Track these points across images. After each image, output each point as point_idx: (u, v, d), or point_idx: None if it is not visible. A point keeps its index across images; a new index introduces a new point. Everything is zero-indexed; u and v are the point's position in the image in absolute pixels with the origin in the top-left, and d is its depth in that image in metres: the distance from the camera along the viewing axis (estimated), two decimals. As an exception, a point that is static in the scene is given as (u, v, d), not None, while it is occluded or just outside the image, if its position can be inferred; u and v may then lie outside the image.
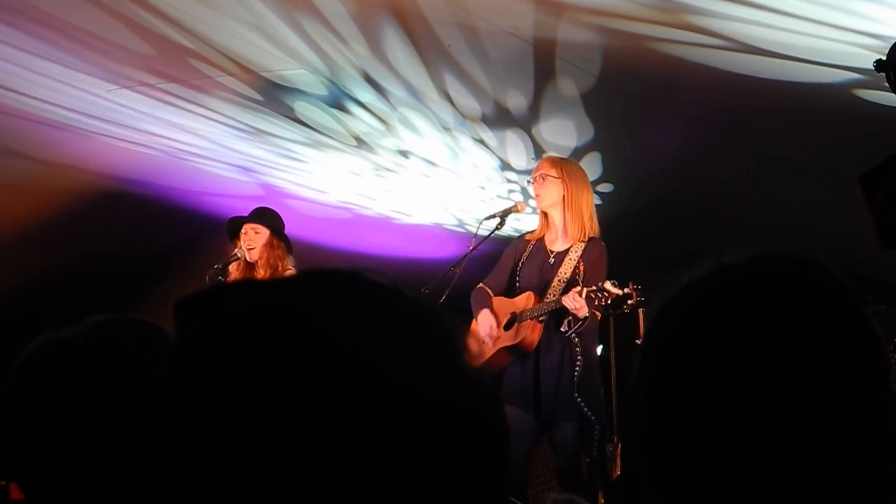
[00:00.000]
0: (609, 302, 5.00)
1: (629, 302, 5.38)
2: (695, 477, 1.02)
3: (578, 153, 6.65)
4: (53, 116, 6.21)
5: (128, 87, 5.87)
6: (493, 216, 5.60)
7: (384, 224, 8.17)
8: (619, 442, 6.51)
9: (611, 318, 6.48)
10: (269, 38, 5.36)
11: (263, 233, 5.69)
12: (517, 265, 5.43)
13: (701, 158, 6.59)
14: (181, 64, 5.60)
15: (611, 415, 6.60)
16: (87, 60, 5.55)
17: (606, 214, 7.54)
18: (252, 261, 5.66)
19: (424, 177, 7.25)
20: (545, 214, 5.39)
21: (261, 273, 5.59)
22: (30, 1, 4.94)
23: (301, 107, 6.20)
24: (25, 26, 5.17)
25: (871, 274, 6.98)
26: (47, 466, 1.41)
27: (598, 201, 7.31)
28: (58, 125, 6.32)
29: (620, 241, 7.04)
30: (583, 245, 5.26)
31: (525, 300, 5.30)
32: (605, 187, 7.22)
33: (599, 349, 8.30)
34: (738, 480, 1.00)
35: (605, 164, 6.87)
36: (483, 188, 7.43)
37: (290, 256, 5.74)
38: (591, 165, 6.81)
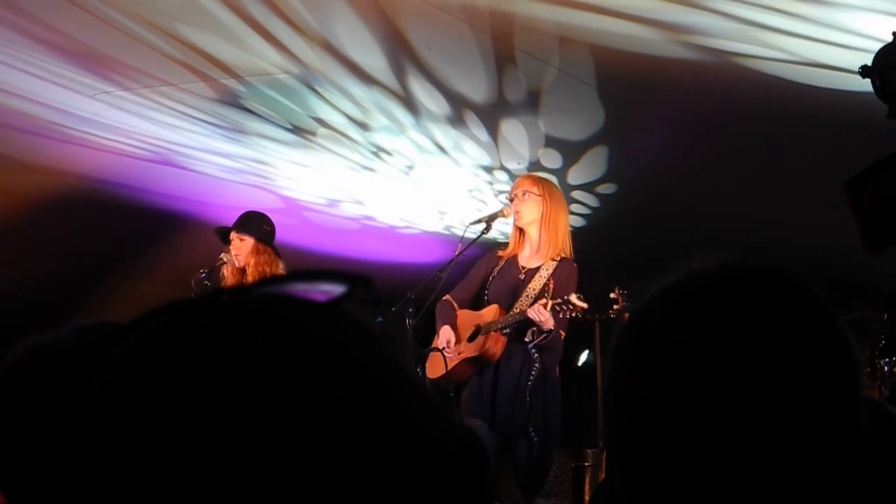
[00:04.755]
0: (574, 315, 5.03)
1: (615, 307, 5.39)
2: (666, 484, 1.02)
3: (576, 150, 6.65)
4: (39, 120, 6.19)
5: (115, 91, 5.86)
6: (480, 221, 5.60)
7: (368, 228, 8.16)
8: (603, 448, 6.52)
9: (596, 323, 6.49)
10: (248, 45, 5.36)
11: (248, 240, 5.72)
12: (487, 279, 5.45)
13: (688, 162, 6.60)
14: (166, 67, 5.60)
15: (596, 420, 6.61)
16: (73, 64, 5.54)
17: (596, 218, 7.58)
18: (241, 266, 5.70)
19: (407, 178, 7.25)
20: (520, 231, 5.41)
21: (250, 279, 5.62)
22: (15, 2, 4.93)
23: (284, 110, 6.20)
24: (10, 27, 5.15)
25: (857, 279, 7.00)
26: (31, 471, 1.40)
27: (596, 203, 7.34)
28: (43, 129, 6.30)
29: (604, 246, 7.06)
30: (554, 263, 5.28)
31: (490, 313, 5.32)
32: (605, 188, 7.22)
33: (585, 354, 8.35)
34: (709, 486, 0.99)
35: (596, 165, 6.87)
36: (469, 191, 7.43)
37: (281, 261, 5.77)
38: (592, 166, 6.83)
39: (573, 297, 4.99)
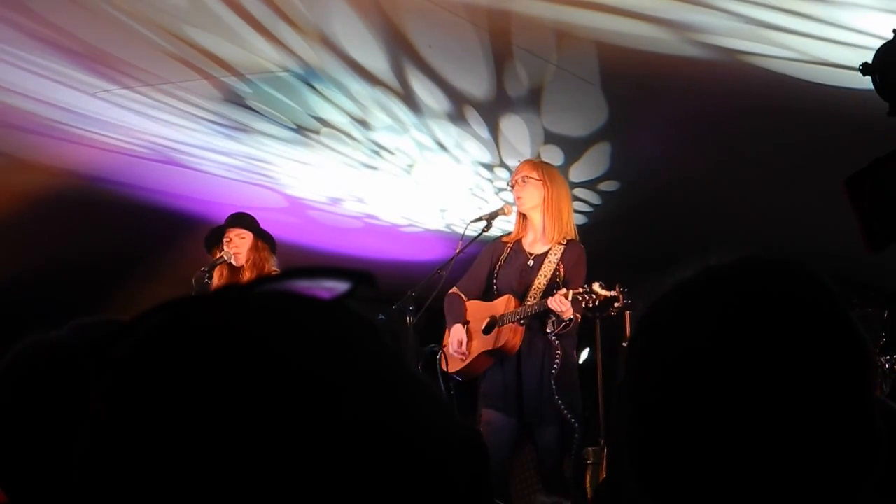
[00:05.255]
0: (597, 304, 5.00)
1: (616, 304, 5.37)
2: (678, 480, 1.02)
3: (578, 147, 6.65)
4: (40, 118, 6.19)
5: (116, 89, 5.86)
6: (480, 219, 5.60)
7: (371, 226, 8.16)
8: (605, 445, 6.51)
9: (597, 321, 6.48)
10: (248, 43, 5.36)
11: (248, 237, 5.73)
12: (494, 268, 5.42)
13: (689, 159, 6.60)
14: (167, 65, 5.59)
15: (597, 418, 6.60)
16: (73, 62, 5.54)
17: (597, 216, 7.57)
18: (238, 265, 5.68)
19: (409, 176, 7.24)
20: (523, 216, 5.39)
21: (247, 275, 5.62)
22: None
23: (286, 109, 6.20)
24: (11, 25, 5.15)
25: (857, 277, 7.00)
26: (32, 469, 1.40)
27: (598, 200, 7.33)
28: (44, 128, 6.29)
29: (607, 243, 7.06)
30: (562, 247, 5.25)
31: (504, 304, 5.28)
32: (607, 185, 7.21)
33: (586, 352, 8.34)
34: (723, 483, 0.99)
35: (598, 163, 6.87)
36: (470, 188, 7.43)
37: (274, 256, 5.77)
38: (594, 163, 6.82)
39: (596, 286, 4.95)
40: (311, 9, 5.08)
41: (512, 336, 5.19)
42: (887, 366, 5.86)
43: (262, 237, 5.77)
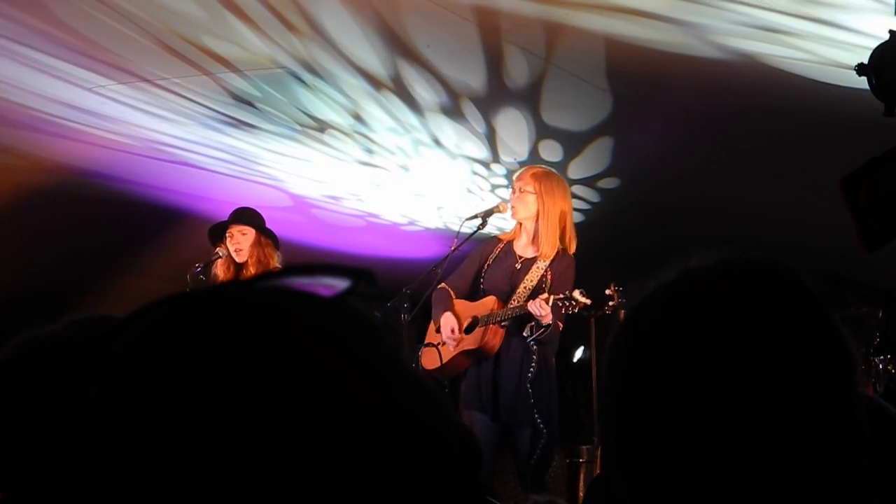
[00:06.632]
0: (576, 311, 5.02)
1: (610, 303, 5.38)
2: (665, 481, 1.02)
3: (576, 145, 6.64)
4: (36, 112, 6.18)
5: (112, 84, 5.85)
6: (476, 216, 5.59)
7: (364, 223, 8.15)
8: (598, 444, 6.53)
9: (592, 320, 6.49)
10: (244, 39, 5.36)
11: (250, 233, 5.73)
12: (483, 267, 5.43)
13: (688, 158, 6.60)
14: (162, 60, 5.59)
15: (590, 416, 6.62)
16: (70, 57, 5.53)
17: (594, 213, 7.58)
18: (241, 261, 5.68)
19: (410, 175, 7.24)
20: (520, 222, 5.40)
21: (252, 271, 5.62)
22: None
23: (286, 107, 6.19)
24: (7, 18, 5.15)
25: (853, 276, 7.02)
26: (27, 465, 1.40)
27: (597, 198, 7.33)
28: (40, 123, 6.28)
29: (602, 241, 7.06)
30: (552, 257, 5.27)
31: (488, 304, 5.31)
32: (605, 182, 7.21)
33: (581, 350, 8.35)
34: (708, 484, 1.00)
35: (596, 160, 6.87)
36: (467, 187, 7.42)
37: (277, 252, 5.77)
38: (592, 161, 6.82)
39: (577, 294, 4.98)
40: (308, 6, 5.08)
41: (492, 336, 5.23)
42: (881, 366, 5.86)
43: (265, 233, 5.77)
